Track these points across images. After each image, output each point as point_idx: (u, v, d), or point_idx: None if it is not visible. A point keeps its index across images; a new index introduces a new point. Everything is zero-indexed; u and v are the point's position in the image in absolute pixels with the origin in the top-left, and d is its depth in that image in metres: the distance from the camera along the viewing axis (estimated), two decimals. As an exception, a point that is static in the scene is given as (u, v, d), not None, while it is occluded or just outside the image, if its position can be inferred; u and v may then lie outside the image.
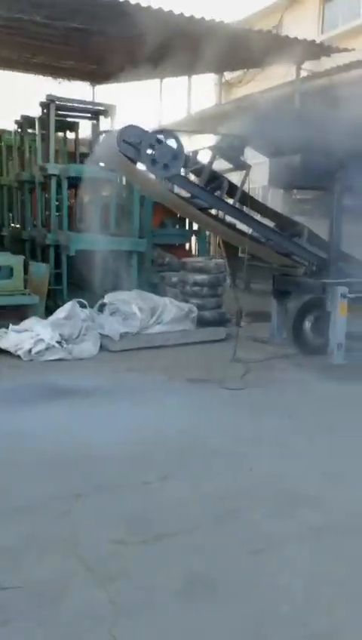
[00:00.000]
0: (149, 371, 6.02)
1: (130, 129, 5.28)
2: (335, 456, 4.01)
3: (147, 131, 5.33)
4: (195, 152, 5.46)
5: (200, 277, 8.21)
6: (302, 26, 9.75)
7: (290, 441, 4.26)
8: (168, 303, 7.72)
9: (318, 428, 4.54)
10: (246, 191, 5.57)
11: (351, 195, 5.85)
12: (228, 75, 17.15)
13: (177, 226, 10.63)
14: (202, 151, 5.67)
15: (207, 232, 11.07)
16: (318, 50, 10.36)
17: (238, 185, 5.58)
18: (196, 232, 10.47)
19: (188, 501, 3.33)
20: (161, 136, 5.30)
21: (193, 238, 10.80)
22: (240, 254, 10.59)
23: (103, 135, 7.45)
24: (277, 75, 13.18)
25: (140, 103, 18.15)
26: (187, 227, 10.75)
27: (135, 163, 5.66)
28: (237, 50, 10.47)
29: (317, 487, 3.52)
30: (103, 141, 6.51)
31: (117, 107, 9.33)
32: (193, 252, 10.88)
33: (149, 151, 5.28)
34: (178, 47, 9.73)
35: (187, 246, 10.90)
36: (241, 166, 5.66)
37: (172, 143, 5.37)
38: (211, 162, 5.49)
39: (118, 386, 5.51)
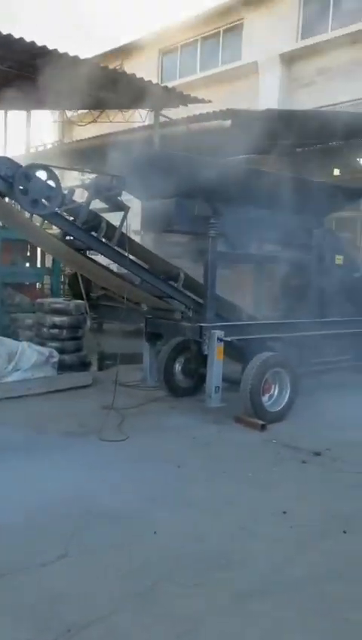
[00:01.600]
0: (15, 426, 5.48)
1: (1, 161, 4.85)
2: (237, 507, 3.90)
3: (20, 165, 4.94)
4: (72, 190, 5.18)
5: (59, 319, 7.82)
6: (140, 75, 9.97)
7: (187, 495, 4.08)
8: (27, 347, 7.19)
9: (212, 477, 4.43)
10: (125, 232, 5.40)
11: (224, 241, 5.99)
12: (69, 113, 17.09)
13: (28, 264, 10.11)
14: (78, 189, 5.41)
15: (64, 271, 10.71)
16: (178, 98, 10.72)
17: (117, 226, 5.40)
18: (50, 271, 10.02)
19: (96, 581, 2.96)
20: (35, 172, 4.94)
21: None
22: (92, 294, 10.39)
23: None
24: (119, 119, 13.43)
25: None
26: (39, 265, 10.28)
27: (3, 197, 5.21)
28: (92, 90, 10.44)
29: (230, 545, 3.37)
30: None
31: None
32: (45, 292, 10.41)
33: (21, 186, 4.89)
34: (21, 77, 9.42)
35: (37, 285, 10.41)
36: (119, 207, 5.50)
37: (46, 177, 5.04)
38: (88, 201, 5.25)
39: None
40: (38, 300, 8.47)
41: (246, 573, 3.11)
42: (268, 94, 13.98)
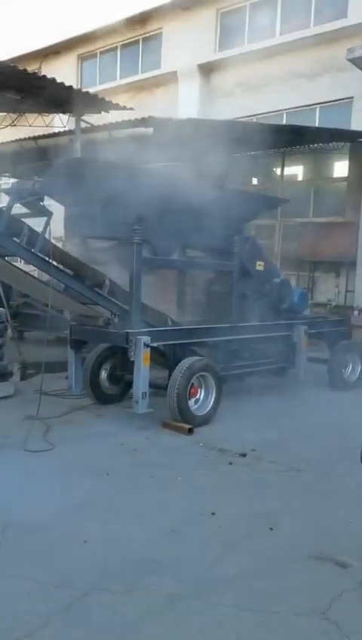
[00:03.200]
0: None
1: None
2: (166, 511, 3.93)
3: None
4: (-9, 195, 5.04)
5: (-22, 327, 7.55)
6: (59, 79, 9.86)
7: (116, 502, 4.06)
8: None
9: (140, 482, 4.43)
10: (48, 238, 5.31)
11: (148, 247, 6.02)
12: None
13: None
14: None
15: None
16: (100, 104, 10.65)
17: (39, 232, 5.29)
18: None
19: (24, 595, 2.88)
20: None
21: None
22: (12, 302, 10.11)
23: None
24: (39, 123, 13.18)
25: None
26: None
27: None
28: (7, 92, 10.20)
29: (160, 549, 3.38)
30: None
31: None
32: None
33: None
34: None
35: None
36: (42, 212, 5.40)
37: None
38: (10, 206, 5.11)
39: None
40: None
41: (177, 575, 3.14)
42: (187, 103, 14.23)
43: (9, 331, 8.44)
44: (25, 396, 6.87)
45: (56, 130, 12.33)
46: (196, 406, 6.05)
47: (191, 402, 5.97)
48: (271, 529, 3.73)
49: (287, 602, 2.92)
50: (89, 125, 11.23)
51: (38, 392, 5.90)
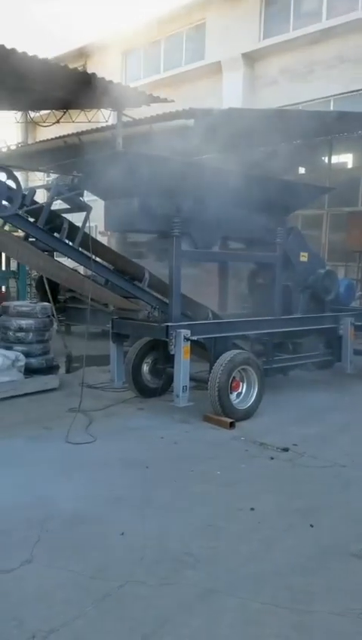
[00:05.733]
0: (-21, 431, 5.38)
1: None
2: (204, 506, 3.90)
3: (-22, 166, 4.86)
4: (32, 191, 5.10)
5: (25, 322, 7.70)
6: (104, 75, 9.92)
7: (155, 495, 4.06)
8: (-8, 351, 7.07)
9: (179, 476, 4.42)
10: (88, 232, 5.35)
11: (187, 239, 5.98)
12: (32, 114, 16.93)
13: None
14: (39, 190, 5.33)
15: (30, 274, 10.58)
16: (141, 97, 10.68)
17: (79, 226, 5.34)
18: (15, 274, 9.88)
19: (61, 585, 2.92)
20: (-6, 172, 4.87)
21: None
22: (59, 297, 10.29)
23: None
24: (82, 120, 13.34)
25: None
26: (4, 268, 10.12)
27: None
28: (53, 88, 10.32)
29: (196, 543, 3.36)
30: None
31: None
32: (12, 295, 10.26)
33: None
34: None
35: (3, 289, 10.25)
36: (81, 207, 5.44)
37: (5, 179, 4.96)
38: (50, 202, 5.17)
39: None
40: (4, 303, 8.34)
41: (213, 570, 3.11)
42: (231, 93, 14.08)
43: (55, 325, 8.60)
44: (70, 389, 6.98)
45: (99, 125, 12.44)
46: (238, 400, 5.99)
47: (233, 396, 5.91)
48: (311, 526, 3.65)
49: (326, 601, 2.84)
50: (130, 119, 11.26)
51: (81, 385, 5.97)
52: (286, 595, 2.88)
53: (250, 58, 14.31)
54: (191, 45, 15.95)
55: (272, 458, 4.87)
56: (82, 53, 17.86)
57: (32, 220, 5.17)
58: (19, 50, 8.52)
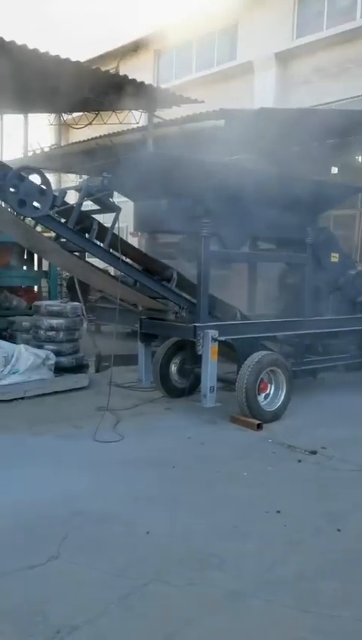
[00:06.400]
0: (9, 429, 5.46)
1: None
2: (230, 507, 3.89)
3: (10, 167, 4.94)
4: (63, 192, 5.17)
5: (56, 321, 7.84)
6: (137, 76, 9.97)
7: (181, 495, 4.07)
8: (23, 350, 7.20)
9: (206, 476, 4.42)
10: (117, 233, 5.39)
11: (216, 240, 5.97)
12: (65, 116, 17.13)
13: (25, 267, 10.10)
14: (69, 191, 5.40)
15: (61, 274, 10.71)
16: (171, 98, 10.72)
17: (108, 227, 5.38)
18: (46, 274, 10.03)
19: (86, 582, 2.95)
20: (26, 174, 4.93)
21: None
22: (90, 296, 10.39)
23: None
24: (113, 121, 13.44)
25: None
26: (36, 268, 10.27)
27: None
28: (85, 91, 10.44)
29: (222, 544, 3.35)
30: None
31: None
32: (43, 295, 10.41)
33: (12, 189, 4.88)
34: (19, 82, 9.38)
35: (35, 288, 10.40)
36: (111, 208, 5.49)
37: (38, 181, 5.03)
38: (80, 203, 5.23)
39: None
40: (35, 303, 8.48)
41: (237, 571, 3.10)
42: (263, 93, 13.96)
43: (85, 324, 8.71)
44: (99, 388, 7.05)
45: (131, 127, 12.52)
46: (266, 401, 5.95)
47: (261, 397, 5.88)
48: (338, 530, 3.60)
49: (351, 607, 2.80)
50: (161, 120, 11.30)
51: (109, 385, 6.02)
52: (311, 599, 2.85)
53: (283, 57, 14.17)
54: (224, 45, 15.90)
55: (300, 461, 4.83)
56: (115, 55, 17.98)
57: (62, 220, 5.23)
58: (52, 53, 8.64)
